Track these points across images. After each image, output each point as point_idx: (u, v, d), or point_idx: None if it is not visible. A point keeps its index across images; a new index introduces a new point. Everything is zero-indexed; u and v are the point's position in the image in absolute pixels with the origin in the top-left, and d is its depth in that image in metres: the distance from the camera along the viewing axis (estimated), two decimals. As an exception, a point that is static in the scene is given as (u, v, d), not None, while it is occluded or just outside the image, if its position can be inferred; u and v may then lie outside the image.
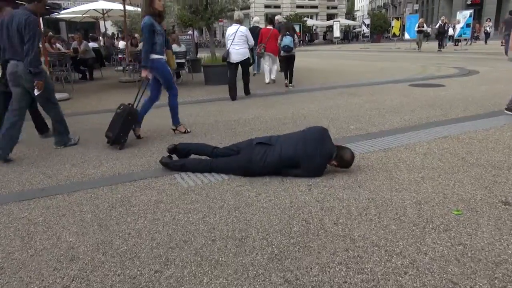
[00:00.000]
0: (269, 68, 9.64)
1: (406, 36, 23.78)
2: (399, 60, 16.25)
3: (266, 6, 42.53)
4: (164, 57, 4.59)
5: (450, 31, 22.73)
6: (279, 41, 8.33)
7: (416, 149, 4.02)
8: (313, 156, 3.24)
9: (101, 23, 19.12)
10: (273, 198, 2.95)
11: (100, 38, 17.73)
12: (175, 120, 5.04)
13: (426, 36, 24.87)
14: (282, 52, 8.52)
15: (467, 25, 20.56)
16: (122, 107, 4.44)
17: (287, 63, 8.76)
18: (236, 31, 7.35)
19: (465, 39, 22.79)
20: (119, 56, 13.20)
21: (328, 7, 46.71)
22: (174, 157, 3.75)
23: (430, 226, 2.43)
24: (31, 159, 4.16)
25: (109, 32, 19.44)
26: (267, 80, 9.65)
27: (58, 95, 8.21)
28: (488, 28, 24.87)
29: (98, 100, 7.90)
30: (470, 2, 45.60)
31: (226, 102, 7.36)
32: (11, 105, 4.15)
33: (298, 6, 43.88)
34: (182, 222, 2.61)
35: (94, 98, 8.19)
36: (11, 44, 3.98)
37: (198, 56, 13.50)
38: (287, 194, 3.00)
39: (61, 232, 2.54)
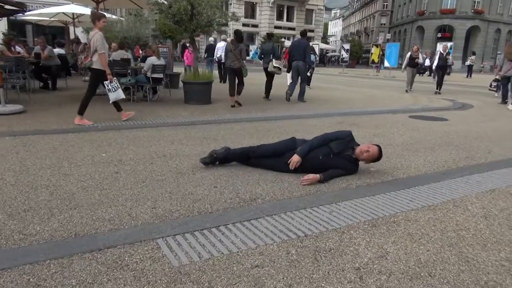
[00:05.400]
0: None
1: (386, 63, 23.77)
2: (385, 87, 15.93)
3: (244, 25, 42.07)
4: None
5: (427, 62, 22.78)
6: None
7: (469, 208, 3.16)
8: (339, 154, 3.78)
9: (71, 28, 17.65)
10: (312, 294, 1.96)
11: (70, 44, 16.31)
12: None
13: (421, 72, 19.61)
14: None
15: (447, 57, 20.68)
16: None
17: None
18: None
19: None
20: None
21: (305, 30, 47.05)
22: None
23: None
24: (-50, 202, 2.96)
25: (81, 39, 17.95)
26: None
27: (10, 107, 6.99)
28: (470, 62, 25.29)
29: (58, 116, 6.63)
30: (441, 36, 47.53)
31: (213, 125, 6.35)
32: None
33: (276, 27, 43.78)
34: None
35: (53, 113, 6.91)
36: (298, 53, 9.27)
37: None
38: (331, 287, 2.02)
39: None
